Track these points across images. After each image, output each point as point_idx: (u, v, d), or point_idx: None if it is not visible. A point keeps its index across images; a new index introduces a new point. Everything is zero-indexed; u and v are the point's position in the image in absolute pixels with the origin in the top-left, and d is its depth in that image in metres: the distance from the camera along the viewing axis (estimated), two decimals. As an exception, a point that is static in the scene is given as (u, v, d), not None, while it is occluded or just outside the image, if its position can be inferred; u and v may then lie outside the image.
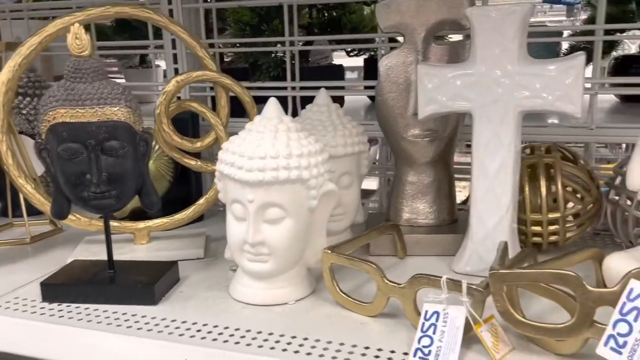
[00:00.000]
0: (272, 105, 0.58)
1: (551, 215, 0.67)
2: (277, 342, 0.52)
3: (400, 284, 0.53)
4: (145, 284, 0.60)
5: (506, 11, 0.59)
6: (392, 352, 0.49)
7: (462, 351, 0.48)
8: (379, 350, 0.50)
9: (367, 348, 0.50)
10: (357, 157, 0.72)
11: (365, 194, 1.28)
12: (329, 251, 0.58)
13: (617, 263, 0.55)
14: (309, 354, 0.50)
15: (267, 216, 0.56)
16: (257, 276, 0.59)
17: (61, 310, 0.60)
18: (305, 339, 0.52)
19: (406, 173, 0.77)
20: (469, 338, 0.49)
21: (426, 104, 0.65)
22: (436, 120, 0.72)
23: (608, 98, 1.15)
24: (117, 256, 0.67)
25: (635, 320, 0.41)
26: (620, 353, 0.40)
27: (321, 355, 0.49)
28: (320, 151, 0.58)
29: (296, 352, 0.50)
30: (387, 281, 0.54)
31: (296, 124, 0.59)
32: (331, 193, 0.59)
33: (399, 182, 0.78)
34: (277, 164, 0.54)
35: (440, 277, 0.50)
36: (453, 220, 0.78)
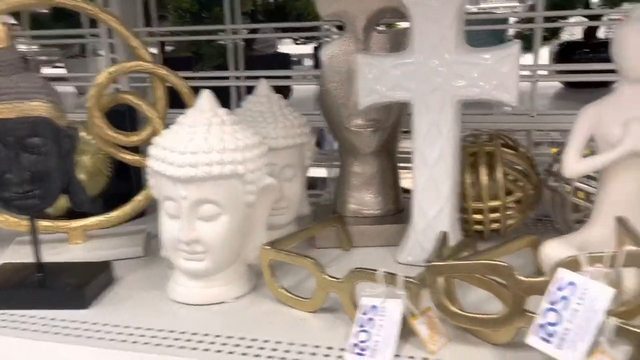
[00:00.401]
0: (206, 97, 0.56)
1: (492, 203, 0.68)
2: (212, 343, 0.50)
3: (339, 279, 0.52)
4: (75, 286, 0.57)
5: (442, -1, 0.58)
6: (330, 348, 0.48)
7: (400, 344, 0.48)
8: (316, 347, 0.49)
9: (304, 345, 0.49)
10: (299, 148, 0.70)
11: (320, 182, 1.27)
12: (268, 247, 0.56)
13: (552, 250, 0.55)
14: (244, 354, 0.48)
15: (201, 213, 0.54)
16: (193, 275, 0.57)
17: (-14, 317, 0.56)
18: (242, 338, 0.51)
19: (351, 164, 0.77)
20: (407, 331, 0.48)
21: (366, 94, 0.64)
22: (379, 110, 0.71)
23: (554, 84, 1.17)
24: (50, 257, 0.64)
25: (564, 309, 0.41)
26: (549, 342, 0.41)
27: (257, 356, 0.48)
28: (257, 144, 0.56)
29: (231, 352, 0.49)
30: (325, 276, 0.53)
31: (232, 116, 0.57)
32: (270, 187, 0.57)
33: (344, 173, 0.77)
34: (210, 159, 0.52)
35: (377, 271, 0.49)
36: (399, 210, 0.77)
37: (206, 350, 0.49)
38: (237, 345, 0.50)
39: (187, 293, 0.57)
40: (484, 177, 0.68)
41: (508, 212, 0.69)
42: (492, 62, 0.58)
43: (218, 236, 0.54)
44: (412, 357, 0.46)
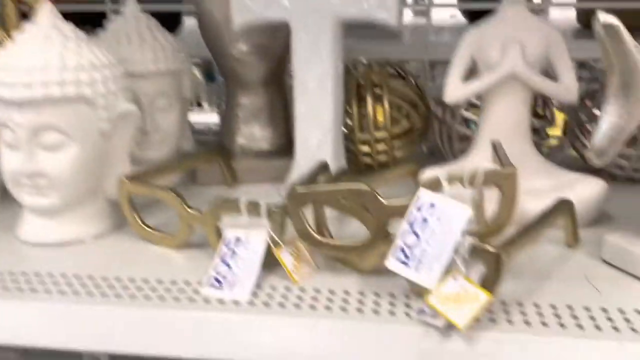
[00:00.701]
0: (45, 10, 0.48)
1: (378, 134, 0.66)
2: (70, 284, 0.45)
3: (201, 211, 0.48)
4: None
5: None
6: (188, 283, 0.45)
7: (264, 275, 0.45)
8: (173, 283, 0.45)
9: (160, 282, 0.45)
10: (174, 76, 0.64)
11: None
12: (126, 180, 0.51)
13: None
14: (104, 294, 0.44)
15: (43, 142, 0.47)
16: (40, 212, 0.51)
17: None
18: (104, 278, 0.46)
19: (237, 95, 0.71)
20: (274, 262, 0.46)
21: (241, 13, 0.58)
22: (264, 34, 0.66)
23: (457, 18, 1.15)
24: None
25: (422, 230, 0.39)
26: (407, 264, 0.39)
27: (117, 296, 0.44)
28: (109, 65, 0.50)
29: (89, 293, 0.44)
30: (187, 209, 0.48)
31: (78, 32, 0.50)
32: (128, 114, 0.52)
33: (230, 105, 0.72)
34: (47, 77, 0.45)
35: (239, 201, 0.45)
36: (289, 145, 0.74)
37: (62, 293, 0.44)
38: (97, 287, 0.45)
39: (39, 232, 0.52)
40: (370, 107, 0.65)
41: (396, 143, 0.67)
42: (371, -21, 0.54)
43: (65, 168, 0.48)
44: (274, 288, 0.44)
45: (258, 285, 0.44)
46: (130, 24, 0.62)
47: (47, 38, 0.47)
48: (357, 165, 0.69)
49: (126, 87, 0.52)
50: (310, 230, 0.43)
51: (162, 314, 0.41)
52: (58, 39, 0.47)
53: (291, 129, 0.75)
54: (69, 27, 0.49)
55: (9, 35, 0.62)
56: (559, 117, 0.73)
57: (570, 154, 0.75)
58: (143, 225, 0.52)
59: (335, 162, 0.60)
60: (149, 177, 0.54)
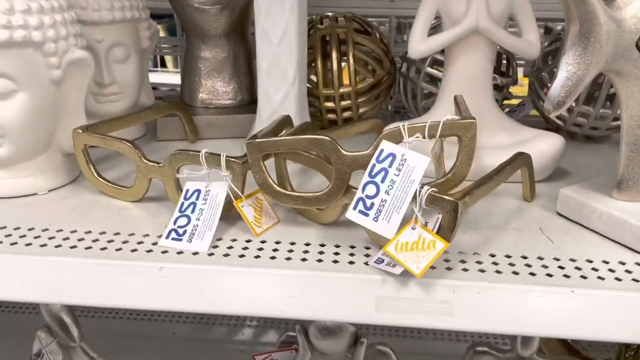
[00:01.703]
0: None
1: (343, 90, 0.65)
2: (23, 236, 0.44)
3: (159, 163, 0.47)
4: None
5: None
6: (146, 235, 0.44)
7: (224, 228, 0.45)
8: (131, 235, 0.44)
9: (117, 235, 0.44)
10: (131, 25, 0.61)
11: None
12: (80, 130, 0.49)
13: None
14: (58, 245, 0.43)
15: (-9, 89, 0.45)
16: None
17: None
18: (59, 230, 0.45)
19: (198, 48, 0.69)
20: (235, 215, 0.45)
21: (201, -41, 0.56)
22: (225, -16, 0.64)
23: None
24: None
25: (382, 181, 0.39)
26: (367, 215, 0.39)
27: (73, 247, 0.43)
28: (59, 8, 0.47)
29: (43, 245, 0.43)
30: (145, 160, 0.47)
31: (26, -27, 0.47)
32: (81, 62, 0.49)
33: (191, 58, 0.70)
34: (-8, 21, 0.43)
35: (199, 152, 0.44)
36: (253, 100, 0.72)
37: (14, 244, 0.43)
38: (52, 238, 0.44)
39: (-12, 185, 0.50)
40: (334, 62, 0.64)
41: (360, 100, 0.66)
42: None
43: (15, 117, 0.46)
44: (235, 240, 0.43)
45: (219, 238, 0.43)
46: (84, -33, 0.59)
47: (-8, -22, 0.44)
48: (321, 122, 0.68)
49: (79, 34, 0.50)
50: (271, 181, 0.43)
51: (119, 264, 0.40)
52: (3, -21, 0.45)
53: (255, 83, 0.73)
54: (15, -33, 0.46)
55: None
56: (525, 83, 0.73)
57: (532, 114, 0.76)
58: (99, 178, 0.50)
59: (299, 117, 0.60)
60: (105, 129, 0.52)
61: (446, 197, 0.37)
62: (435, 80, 0.66)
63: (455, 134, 0.40)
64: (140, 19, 0.62)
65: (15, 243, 0.43)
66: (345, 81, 0.65)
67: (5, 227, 0.45)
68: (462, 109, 0.46)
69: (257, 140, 0.42)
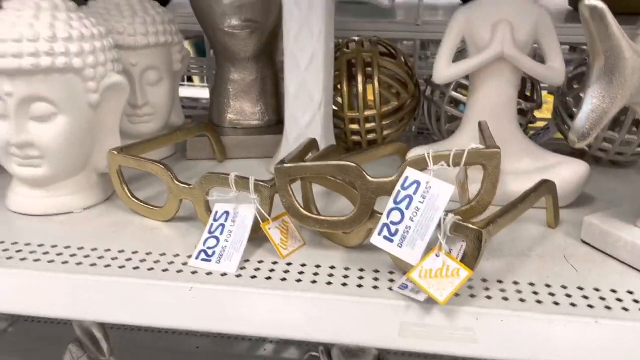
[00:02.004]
0: None
1: (367, 112, 0.66)
2: (60, 254, 0.46)
3: (190, 185, 0.48)
4: None
5: None
6: (176, 255, 0.46)
7: (251, 249, 0.46)
8: (162, 254, 0.46)
9: (148, 254, 0.46)
10: (164, 49, 0.64)
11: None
12: (115, 151, 0.51)
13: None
14: (93, 264, 0.44)
15: (33, 112, 0.47)
16: (31, 183, 0.51)
17: None
18: (94, 249, 0.47)
19: (227, 70, 0.71)
20: (262, 237, 0.46)
21: (232, -14, 0.58)
22: (255, 8, 0.66)
23: None
24: None
25: (407, 207, 0.40)
26: (391, 241, 0.40)
27: (107, 265, 0.44)
28: (99, 35, 0.50)
29: (79, 263, 0.45)
30: (176, 182, 0.49)
31: (68, 2, 0.49)
32: (117, 86, 0.51)
33: (220, 80, 0.72)
34: (36, 48, 0.45)
35: (228, 175, 0.46)
36: (279, 121, 0.74)
37: (51, 261, 0.45)
38: (87, 256, 0.45)
39: (27, 203, 0.52)
40: (360, 85, 0.65)
41: (384, 122, 0.67)
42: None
43: (54, 139, 0.48)
44: (261, 262, 0.45)
45: (246, 259, 0.45)
46: (121, -5, 0.61)
47: (38, 8, 0.47)
48: (345, 143, 0.69)
49: (116, 59, 0.52)
50: (298, 205, 0.44)
51: (151, 284, 0.42)
52: (48, 9, 0.47)
53: (281, 105, 0.75)
54: (58, -3, 0.49)
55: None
56: (549, 100, 0.74)
57: (557, 137, 0.76)
58: (132, 198, 0.52)
59: (324, 139, 0.61)
60: (139, 150, 0.54)
61: (470, 226, 0.38)
62: (459, 104, 0.67)
63: (479, 163, 0.41)
64: (173, 43, 0.64)
65: (52, 261, 0.45)
66: (370, 104, 0.66)
67: (42, 245, 0.47)
68: (486, 136, 0.46)
69: (285, 165, 0.43)
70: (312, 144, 0.55)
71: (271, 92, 0.73)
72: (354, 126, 0.67)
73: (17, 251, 0.46)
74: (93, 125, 0.51)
